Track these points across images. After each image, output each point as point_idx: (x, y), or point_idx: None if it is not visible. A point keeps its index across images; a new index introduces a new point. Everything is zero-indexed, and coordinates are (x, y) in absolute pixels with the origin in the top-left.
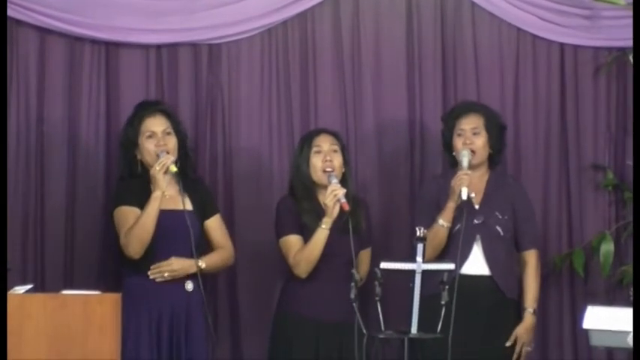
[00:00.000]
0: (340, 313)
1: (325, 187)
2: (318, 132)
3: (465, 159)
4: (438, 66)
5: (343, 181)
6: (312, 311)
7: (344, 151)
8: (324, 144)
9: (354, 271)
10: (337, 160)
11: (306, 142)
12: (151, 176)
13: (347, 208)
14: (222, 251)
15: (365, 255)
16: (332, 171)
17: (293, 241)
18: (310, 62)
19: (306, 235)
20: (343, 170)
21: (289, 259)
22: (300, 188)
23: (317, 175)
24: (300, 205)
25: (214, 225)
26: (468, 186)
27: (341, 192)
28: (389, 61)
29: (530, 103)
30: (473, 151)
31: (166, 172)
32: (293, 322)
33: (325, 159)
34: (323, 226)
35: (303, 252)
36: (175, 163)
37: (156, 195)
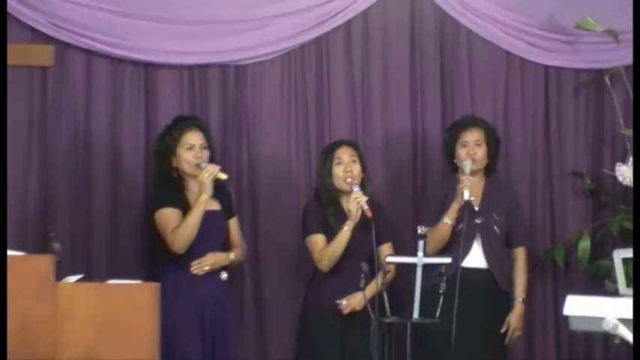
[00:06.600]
0: None
1: (347, 192)
2: (339, 144)
3: (467, 167)
4: (437, 85)
5: (362, 187)
6: (335, 303)
7: (362, 159)
8: (344, 155)
9: (363, 264)
10: (356, 169)
11: (329, 154)
12: (199, 182)
13: (369, 214)
14: (239, 248)
15: (387, 248)
16: (353, 180)
17: (317, 239)
18: (325, 81)
19: (330, 235)
20: (362, 177)
21: (314, 255)
22: (325, 195)
23: (339, 183)
24: (326, 209)
25: (233, 226)
26: (470, 189)
27: (363, 200)
28: (394, 81)
29: (519, 118)
30: (474, 160)
31: (213, 178)
32: (318, 313)
33: (346, 169)
34: (345, 228)
35: (327, 250)
36: (223, 171)
37: (202, 199)
